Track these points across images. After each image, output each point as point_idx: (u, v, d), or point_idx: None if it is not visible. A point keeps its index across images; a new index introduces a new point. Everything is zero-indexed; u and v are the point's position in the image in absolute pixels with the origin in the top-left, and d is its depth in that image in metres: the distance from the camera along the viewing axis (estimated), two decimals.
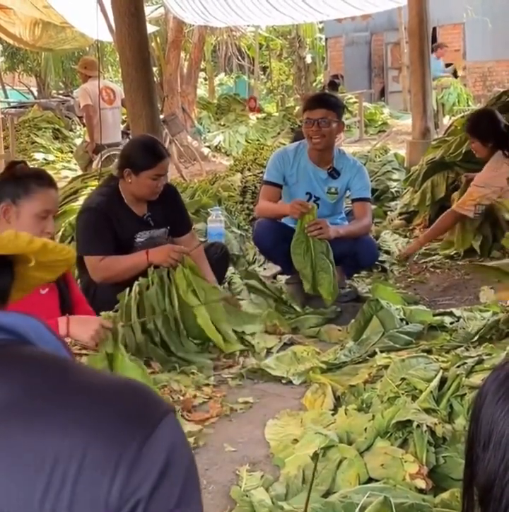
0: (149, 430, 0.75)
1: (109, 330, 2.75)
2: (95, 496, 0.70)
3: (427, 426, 2.41)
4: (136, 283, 3.53)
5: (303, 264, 4.13)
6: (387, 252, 5.39)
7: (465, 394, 2.63)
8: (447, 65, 14.02)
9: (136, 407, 0.77)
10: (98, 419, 0.73)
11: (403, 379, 2.77)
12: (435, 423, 2.43)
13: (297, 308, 4.18)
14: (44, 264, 0.86)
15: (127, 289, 3.50)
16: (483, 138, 4.95)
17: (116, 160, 8.09)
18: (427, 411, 2.55)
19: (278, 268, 4.85)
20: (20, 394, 0.74)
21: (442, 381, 2.76)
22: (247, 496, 2.33)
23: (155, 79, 7.50)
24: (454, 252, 5.24)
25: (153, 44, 12.99)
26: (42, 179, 2.80)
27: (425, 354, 3.04)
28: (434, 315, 3.86)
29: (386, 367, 2.96)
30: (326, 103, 4.38)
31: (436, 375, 2.77)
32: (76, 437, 0.71)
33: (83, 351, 3.02)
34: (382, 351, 3.30)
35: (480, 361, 2.84)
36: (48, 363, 0.80)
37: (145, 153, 3.77)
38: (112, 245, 3.73)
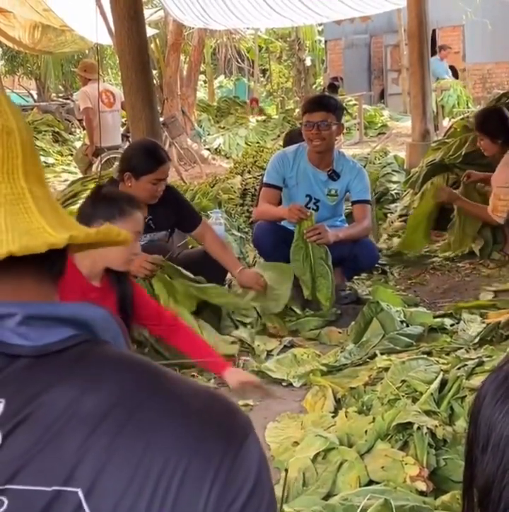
0: (238, 446, 0.74)
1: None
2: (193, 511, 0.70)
3: (427, 428, 2.41)
4: None
5: (302, 270, 4.14)
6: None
7: (465, 396, 2.63)
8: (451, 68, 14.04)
9: (225, 422, 0.75)
10: (195, 433, 0.72)
11: (403, 381, 2.77)
12: (436, 426, 2.43)
13: (297, 311, 4.18)
14: (102, 244, 0.83)
15: None
16: (493, 135, 4.92)
17: (116, 163, 8.11)
18: (427, 413, 2.55)
19: None
20: (116, 402, 0.72)
21: (443, 383, 2.76)
22: None
23: (154, 82, 7.51)
24: (454, 254, 5.24)
25: (152, 46, 13.00)
26: (133, 201, 2.88)
27: (425, 356, 3.04)
28: (434, 317, 3.86)
29: (386, 369, 2.96)
30: (326, 106, 4.36)
31: (436, 378, 2.77)
32: (177, 452, 0.71)
33: None
34: (382, 354, 3.30)
35: (480, 363, 2.84)
36: (137, 367, 0.77)
37: (146, 158, 3.76)
38: None
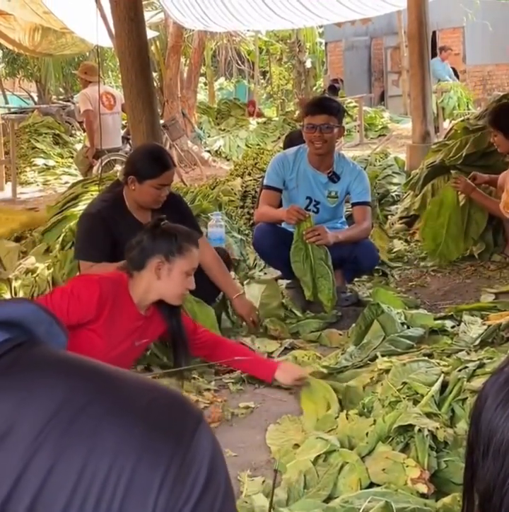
0: (188, 441, 0.71)
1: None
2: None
3: (428, 430, 2.40)
4: None
5: (303, 271, 4.14)
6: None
7: (466, 398, 2.63)
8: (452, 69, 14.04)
9: (173, 417, 0.72)
10: (141, 433, 0.69)
11: (404, 383, 2.77)
12: (437, 428, 2.43)
13: (298, 313, 4.18)
14: None
15: None
16: (507, 130, 4.91)
17: (117, 166, 8.10)
18: (428, 415, 2.54)
19: (278, 272, 4.85)
20: (56, 409, 0.69)
21: (444, 385, 2.76)
22: (246, 502, 2.32)
23: (155, 84, 7.51)
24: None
25: (152, 49, 13.01)
26: (191, 237, 2.96)
27: (426, 358, 3.03)
28: (435, 319, 3.85)
29: (387, 371, 2.96)
30: (328, 108, 4.36)
31: (437, 380, 2.77)
32: (123, 455, 0.68)
33: None
34: (383, 356, 3.30)
35: (481, 365, 2.83)
36: (76, 368, 0.74)
37: (151, 162, 3.74)
38: (107, 252, 3.67)
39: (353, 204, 4.48)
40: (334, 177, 4.46)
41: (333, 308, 4.16)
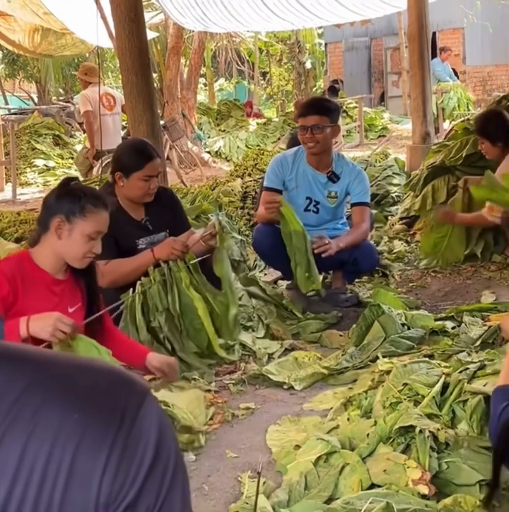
0: (132, 419, 0.69)
1: (68, 326, 2.58)
2: (85, 497, 0.67)
3: (429, 431, 2.40)
4: (139, 282, 3.54)
5: (291, 256, 4.18)
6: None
7: (467, 399, 2.62)
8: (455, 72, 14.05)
9: (116, 395, 0.71)
10: (83, 414, 0.68)
11: (405, 384, 2.76)
12: (438, 429, 2.42)
13: (298, 314, 4.18)
14: None
15: (131, 289, 3.51)
16: (493, 138, 4.93)
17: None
18: (429, 416, 2.54)
19: (279, 273, 4.85)
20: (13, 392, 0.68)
21: (445, 386, 2.76)
22: (247, 503, 2.32)
23: (155, 85, 7.50)
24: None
25: (153, 50, 13.01)
26: (97, 200, 2.83)
27: (427, 359, 3.03)
28: (435, 320, 3.85)
29: (388, 372, 2.95)
30: (319, 109, 4.36)
31: (438, 381, 2.76)
32: (64, 437, 0.67)
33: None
34: (383, 356, 3.29)
35: (482, 367, 2.83)
36: (14, 354, 0.72)
37: (134, 155, 3.74)
38: (114, 250, 3.71)
39: (352, 205, 4.48)
40: (334, 177, 4.46)
41: (311, 291, 4.23)
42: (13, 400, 0.67)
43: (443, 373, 2.82)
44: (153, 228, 3.90)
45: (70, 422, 0.67)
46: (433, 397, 2.66)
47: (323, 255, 4.09)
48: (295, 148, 4.61)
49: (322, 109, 4.37)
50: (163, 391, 3.09)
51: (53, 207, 2.77)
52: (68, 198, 2.78)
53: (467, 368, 2.81)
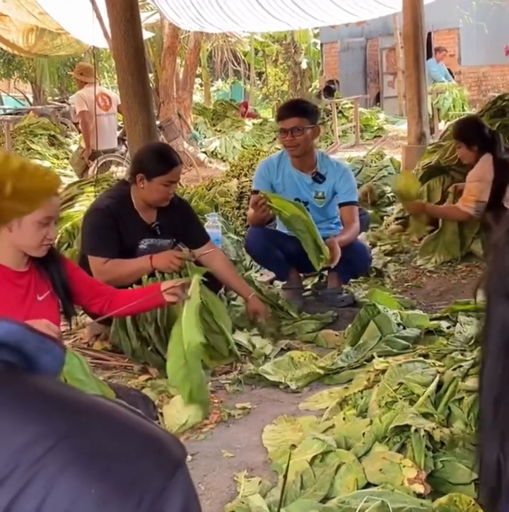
0: (150, 504, 0.63)
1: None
2: None
3: (425, 430, 2.41)
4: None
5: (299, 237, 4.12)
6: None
7: (463, 398, 2.63)
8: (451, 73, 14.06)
9: (140, 473, 0.64)
10: (98, 496, 0.62)
11: (400, 383, 2.77)
12: (433, 428, 2.43)
13: (294, 314, 4.18)
14: (22, 191, 0.68)
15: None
16: (468, 142, 5.01)
17: (112, 167, 8.10)
18: (425, 415, 2.55)
19: (273, 274, 4.86)
20: (20, 455, 0.62)
21: (439, 385, 2.76)
22: (243, 502, 2.33)
23: (151, 85, 7.50)
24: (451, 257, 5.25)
25: (148, 50, 13.00)
26: None
27: (421, 359, 3.04)
28: (431, 320, 3.86)
29: (383, 372, 2.96)
30: (297, 111, 4.35)
31: (433, 380, 2.77)
32: (79, 509, 0.61)
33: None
34: (379, 356, 3.30)
35: (475, 364, 2.84)
36: (55, 405, 0.66)
37: (159, 160, 3.77)
38: (117, 248, 3.72)
39: (340, 205, 4.49)
40: (319, 178, 4.47)
41: (320, 267, 4.14)
42: (35, 459, 0.62)
43: (438, 372, 2.82)
44: (161, 232, 3.91)
45: (85, 497, 0.62)
46: (429, 396, 2.66)
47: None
48: (279, 152, 4.66)
49: (300, 110, 4.37)
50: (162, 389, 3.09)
51: None
52: None
53: (461, 366, 2.82)
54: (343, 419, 2.75)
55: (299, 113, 4.34)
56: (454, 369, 2.81)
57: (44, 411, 0.65)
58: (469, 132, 5.07)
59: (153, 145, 4.32)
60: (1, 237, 2.76)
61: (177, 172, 3.83)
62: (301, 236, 4.07)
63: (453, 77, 14.29)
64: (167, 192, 3.78)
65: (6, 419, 0.64)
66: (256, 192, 4.50)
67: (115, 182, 4.41)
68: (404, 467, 2.29)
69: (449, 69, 14.19)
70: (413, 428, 2.42)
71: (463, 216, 4.99)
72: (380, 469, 2.33)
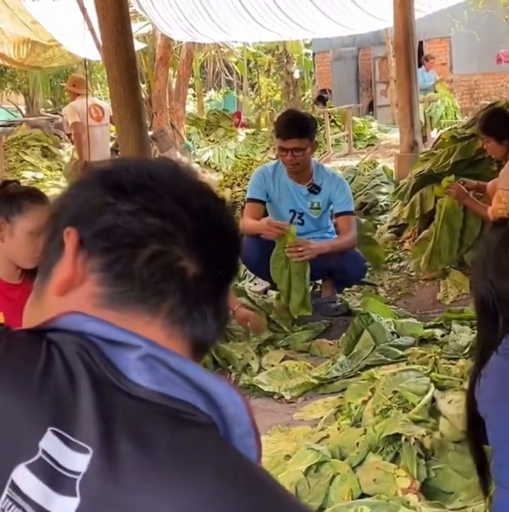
0: None
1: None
2: None
3: (415, 438, 2.40)
4: None
5: (279, 278, 4.19)
6: None
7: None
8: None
9: None
10: None
11: (395, 392, 2.77)
12: (423, 435, 2.43)
13: (286, 328, 4.17)
14: None
15: None
16: (498, 136, 4.85)
17: None
18: (417, 422, 2.54)
19: (268, 283, 4.85)
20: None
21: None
22: None
23: (143, 96, 7.51)
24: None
25: (141, 61, 13.03)
26: (34, 196, 2.78)
27: (415, 367, 3.03)
28: (425, 328, 3.86)
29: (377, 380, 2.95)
30: (299, 131, 4.27)
31: (428, 389, 2.76)
32: None
33: None
34: (373, 365, 3.30)
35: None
36: (243, 481, 0.67)
37: None
38: None
39: (337, 215, 4.49)
40: (315, 189, 4.46)
41: (301, 317, 4.20)
42: None
43: (432, 381, 2.82)
44: None
45: None
46: (425, 404, 2.66)
47: (299, 260, 4.10)
48: (274, 162, 4.64)
49: (301, 130, 4.29)
50: None
51: None
52: (4, 199, 2.72)
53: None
54: (338, 428, 2.75)
55: (301, 133, 4.26)
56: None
57: (231, 486, 0.66)
58: (498, 125, 4.85)
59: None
60: None
61: None
62: (293, 280, 4.13)
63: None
64: None
65: (208, 489, 0.65)
66: (251, 200, 4.49)
67: None
68: (397, 477, 2.29)
69: (441, 79, 14.25)
70: (403, 437, 2.41)
71: (486, 218, 4.83)
72: (374, 480, 2.32)
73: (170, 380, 0.70)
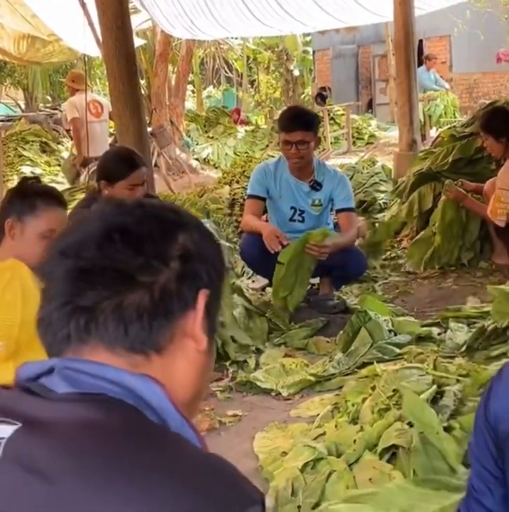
0: None
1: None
2: None
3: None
4: None
5: (289, 272, 4.14)
6: None
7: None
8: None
9: (226, 490, 0.78)
10: (193, 498, 0.75)
11: (395, 391, 2.76)
12: None
13: (282, 326, 4.16)
14: None
15: None
16: (497, 134, 4.87)
17: None
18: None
19: (266, 280, 4.85)
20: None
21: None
22: None
23: (143, 92, 7.50)
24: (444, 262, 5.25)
25: (140, 57, 13.01)
26: (49, 197, 2.76)
27: (418, 365, 3.01)
28: (422, 326, 3.86)
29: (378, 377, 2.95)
30: (303, 124, 4.31)
31: (430, 388, 2.75)
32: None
33: None
34: (370, 363, 3.30)
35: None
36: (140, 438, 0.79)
37: (119, 164, 3.72)
38: None
39: (338, 211, 4.49)
40: (316, 186, 4.47)
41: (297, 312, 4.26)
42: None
43: (434, 380, 2.81)
44: None
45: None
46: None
47: (317, 257, 4.11)
48: (275, 158, 4.64)
49: (306, 124, 4.33)
50: None
51: (7, 208, 2.71)
52: (19, 198, 2.71)
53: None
54: (335, 426, 2.75)
55: (305, 126, 4.30)
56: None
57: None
58: (497, 123, 4.89)
59: (114, 149, 4.28)
60: (5, 246, 2.72)
61: (139, 174, 3.73)
62: (299, 274, 4.16)
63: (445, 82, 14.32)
64: (133, 196, 3.68)
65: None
66: (251, 196, 4.49)
67: (88, 192, 4.36)
68: (393, 478, 2.28)
69: (441, 76, 14.24)
70: (400, 449, 2.39)
71: (492, 222, 4.85)
72: (370, 479, 2.32)
73: (91, 384, 0.83)
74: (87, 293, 0.85)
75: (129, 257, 0.86)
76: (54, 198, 2.77)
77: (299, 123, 4.33)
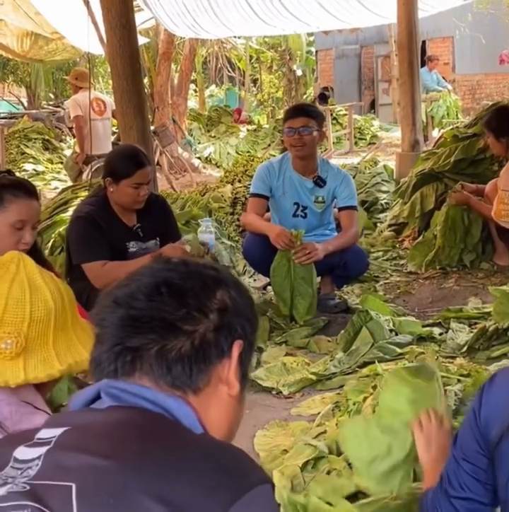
0: (240, 492, 0.85)
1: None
2: None
3: None
4: None
5: (281, 288, 4.20)
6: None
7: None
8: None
9: (234, 468, 0.90)
10: (200, 472, 0.87)
11: None
12: None
13: (283, 325, 4.17)
14: None
15: None
16: (497, 132, 4.89)
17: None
18: None
19: (267, 279, 4.86)
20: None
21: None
22: None
23: (145, 90, 7.50)
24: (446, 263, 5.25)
25: (143, 55, 13.02)
26: (18, 189, 2.74)
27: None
28: (423, 326, 3.87)
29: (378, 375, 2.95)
30: (306, 112, 4.43)
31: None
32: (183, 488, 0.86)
33: None
34: (371, 362, 3.30)
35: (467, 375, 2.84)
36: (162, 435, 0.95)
37: (125, 162, 3.73)
38: (108, 251, 3.69)
39: (340, 209, 4.50)
40: (320, 182, 4.48)
41: (307, 321, 4.20)
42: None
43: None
44: (144, 235, 3.87)
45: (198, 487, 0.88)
46: None
47: (307, 262, 4.11)
48: (280, 156, 4.66)
49: (309, 112, 4.44)
50: None
51: None
52: None
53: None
54: (336, 424, 2.75)
55: (308, 114, 4.40)
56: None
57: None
58: (498, 122, 4.91)
59: (121, 147, 4.30)
60: None
61: (144, 173, 3.73)
62: (301, 285, 4.16)
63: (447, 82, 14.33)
64: (137, 194, 3.72)
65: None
66: (254, 195, 4.50)
67: (94, 189, 4.36)
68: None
69: (444, 78, 14.24)
70: None
71: (496, 223, 4.85)
72: None
73: (131, 401, 0.98)
74: (135, 337, 0.99)
75: (173, 308, 1.01)
76: (21, 189, 2.74)
77: (302, 110, 4.47)
